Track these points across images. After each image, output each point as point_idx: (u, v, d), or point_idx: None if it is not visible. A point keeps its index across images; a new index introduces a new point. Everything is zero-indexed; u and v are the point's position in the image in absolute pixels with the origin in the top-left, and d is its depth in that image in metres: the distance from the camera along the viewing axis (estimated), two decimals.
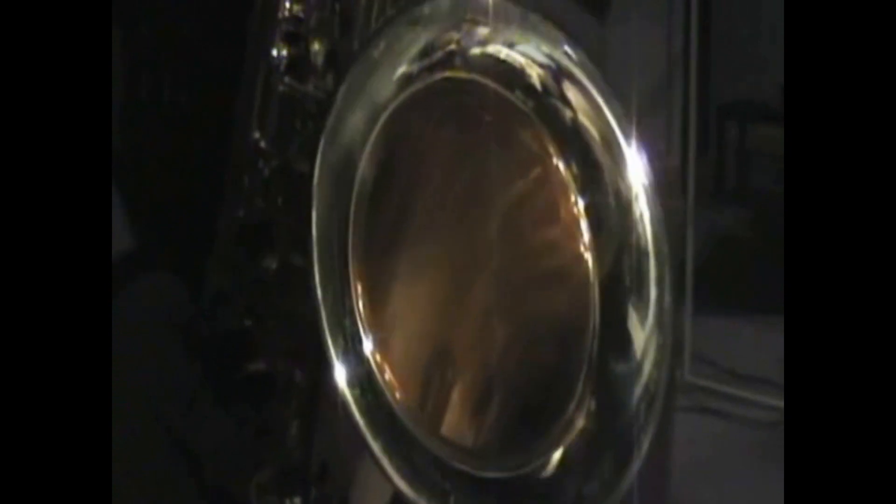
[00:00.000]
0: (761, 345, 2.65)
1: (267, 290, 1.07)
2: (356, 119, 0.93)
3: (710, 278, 2.82)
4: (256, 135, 1.06)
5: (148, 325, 1.09)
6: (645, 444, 0.82)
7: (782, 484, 0.77)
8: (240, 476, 1.06)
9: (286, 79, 1.06)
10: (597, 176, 0.82)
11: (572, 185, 0.84)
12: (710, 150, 3.58)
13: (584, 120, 0.82)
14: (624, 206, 0.82)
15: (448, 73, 0.90)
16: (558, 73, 0.84)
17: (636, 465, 0.82)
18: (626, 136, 0.81)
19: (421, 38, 0.91)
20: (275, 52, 1.06)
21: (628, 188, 0.81)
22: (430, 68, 0.90)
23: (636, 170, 0.80)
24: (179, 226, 1.15)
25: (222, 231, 1.08)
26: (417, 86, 0.91)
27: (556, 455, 0.85)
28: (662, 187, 0.80)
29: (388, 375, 0.95)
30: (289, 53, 1.06)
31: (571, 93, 0.83)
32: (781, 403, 2.54)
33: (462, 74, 0.89)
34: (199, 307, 1.10)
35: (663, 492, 2.16)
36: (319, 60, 1.06)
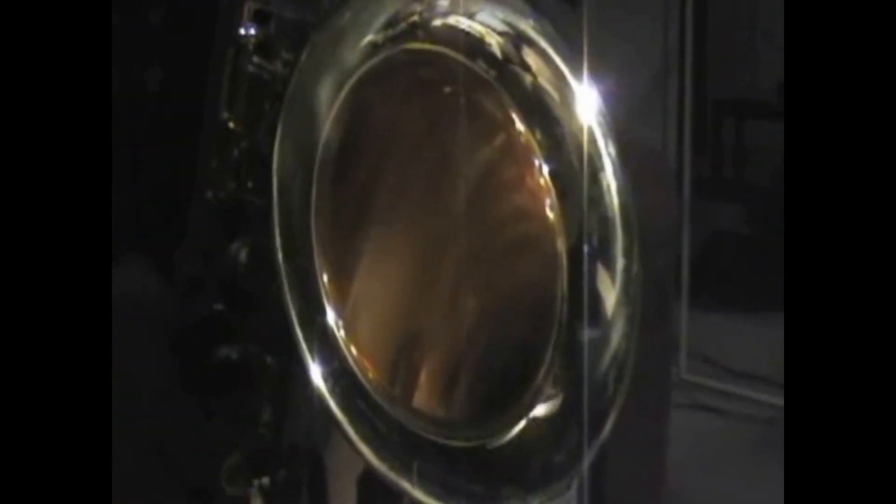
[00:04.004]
0: (757, 342, 2.64)
1: (237, 273, 1.06)
2: (321, 86, 0.92)
3: (706, 275, 2.81)
4: (225, 115, 1.05)
5: (120, 314, 1.08)
6: (612, 416, 0.82)
7: (780, 480, 0.76)
8: (210, 462, 1.04)
9: (255, 58, 1.05)
10: (559, 138, 0.81)
11: (537, 152, 0.83)
12: (707, 147, 3.58)
13: (544, 83, 0.82)
14: (590, 173, 0.81)
15: (411, 45, 0.89)
16: (517, 38, 0.83)
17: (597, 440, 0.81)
18: (577, 78, 0.80)
19: (386, 9, 0.90)
20: (243, 32, 1.05)
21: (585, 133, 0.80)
22: (394, 39, 0.90)
23: (590, 109, 0.80)
24: (151, 210, 1.14)
25: (193, 214, 1.07)
26: (381, 56, 0.90)
27: (525, 424, 0.85)
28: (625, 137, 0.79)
29: (356, 354, 0.94)
30: (257, 32, 1.05)
31: (531, 58, 0.83)
32: (778, 400, 2.53)
33: (425, 46, 0.89)
34: (172, 293, 1.08)
35: (661, 488, 2.15)
36: (288, 40, 1.04)
